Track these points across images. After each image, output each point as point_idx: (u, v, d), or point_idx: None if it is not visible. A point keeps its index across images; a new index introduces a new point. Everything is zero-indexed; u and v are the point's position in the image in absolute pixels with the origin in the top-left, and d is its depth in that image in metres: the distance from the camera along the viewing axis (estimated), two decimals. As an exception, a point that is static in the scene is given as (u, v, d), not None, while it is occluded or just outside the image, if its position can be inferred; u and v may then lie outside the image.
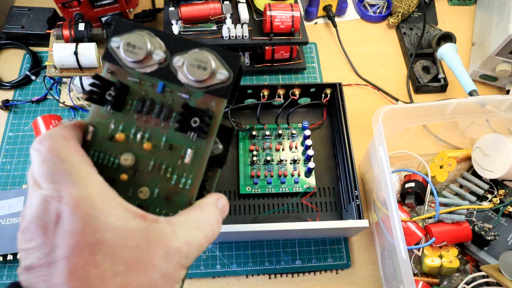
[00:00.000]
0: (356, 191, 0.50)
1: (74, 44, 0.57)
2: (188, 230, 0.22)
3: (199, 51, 0.23)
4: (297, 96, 0.59)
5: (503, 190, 0.54)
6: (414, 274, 0.50)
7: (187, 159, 0.23)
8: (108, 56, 0.23)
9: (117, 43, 0.23)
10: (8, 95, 0.66)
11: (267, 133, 0.60)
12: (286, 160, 0.59)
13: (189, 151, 0.23)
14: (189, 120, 0.23)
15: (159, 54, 0.23)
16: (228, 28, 0.61)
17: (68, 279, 0.18)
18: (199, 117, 0.23)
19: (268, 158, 0.58)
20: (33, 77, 0.66)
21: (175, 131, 0.23)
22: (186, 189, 0.23)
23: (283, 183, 0.57)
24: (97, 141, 0.23)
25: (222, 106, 0.23)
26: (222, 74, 0.23)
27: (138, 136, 0.23)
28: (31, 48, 0.69)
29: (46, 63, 0.59)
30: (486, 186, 0.55)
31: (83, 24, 0.58)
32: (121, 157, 0.23)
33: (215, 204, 0.24)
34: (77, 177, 0.20)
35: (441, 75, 0.69)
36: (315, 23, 0.77)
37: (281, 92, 0.59)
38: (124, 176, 0.23)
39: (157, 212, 0.23)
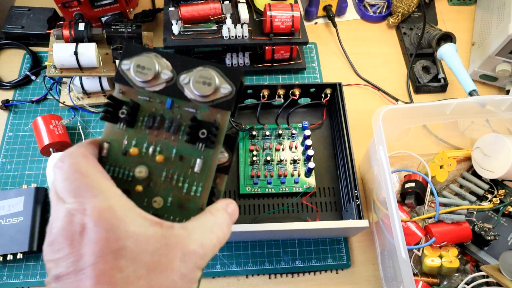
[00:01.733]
0: (356, 191, 0.50)
1: (74, 44, 0.57)
2: (201, 233, 0.23)
3: (203, 68, 0.25)
4: (297, 96, 0.59)
5: (503, 190, 0.54)
6: (414, 274, 0.50)
7: (196, 168, 0.25)
8: (119, 78, 0.25)
9: (127, 65, 0.25)
10: (8, 95, 0.66)
11: (267, 133, 0.60)
12: (286, 160, 0.59)
13: (198, 160, 0.25)
14: (197, 132, 0.25)
15: (166, 74, 0.25)
16: (228, 28, 0.61)
17: (95, 283, 0.19)
18: (206, 129, 0.24)
19: (268, 158, 0.58)
20: (33, 77, 0.66)
21: (185, 142, 0.25)
22: (197, 196, 0.25)
23: (283, 183, 0.57)
24: (112, 157, 0.25)
25: (226, 117, 0.25)
26: (226, 88, 0.25)
27: (150, 149, 0.25)
28: (31, 48, 0.69)
29: (46, 63, 0.59)
30: (486, 186, 0.55)
31: (83, 24, 0.58)
32: (135, 170, 0.25)
33: (225, 209, 0.26)
34: (98, 191, 0.21)
35: (441, 75, 0.69)
36: (315, 23, 0.77)
37: (281, 92, 0.59)
38: (139, 188, 0.25)
39: (171, 219, 0.25)
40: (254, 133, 0.60)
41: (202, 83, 0.24)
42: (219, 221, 0.25)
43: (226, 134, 0.26)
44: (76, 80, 0.60)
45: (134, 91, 0.25)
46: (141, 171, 0.25)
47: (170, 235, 0.22)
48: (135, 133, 0.25)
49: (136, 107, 0.25)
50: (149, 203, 0.25)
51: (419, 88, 0.69)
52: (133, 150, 0.25)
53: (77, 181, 0.21)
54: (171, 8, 0.61)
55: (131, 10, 0.71)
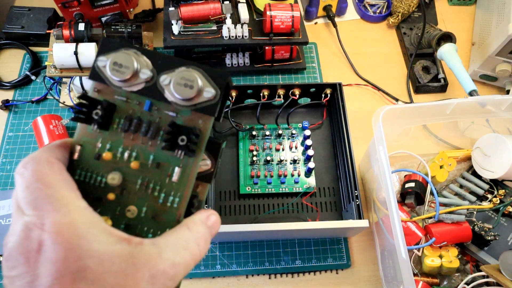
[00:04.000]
0: (356, 191, 0.50)
1: (74, 44, 0.57)
2: (174, 251, 0.21)
3: (186, 69, 0.23)
4: (297, 96, 0.59)
5: (503, 190, 0.54)
6: (414, 274, 0.50)
7: (174, 178, 0.23)
8: (95, 75, 0.23)
9: (104, 62, 0.23)
10: (8, 95, 0.66)
11: (267, 133, 0.60)
12: (286, 160, 0.59)
13: (176, 169, 0.23)
14: (177, 138, 0.23)
15: (145, 73, 0.23)
16: (228, 28, 0.61)
17: None
18: (187, 135, 0.22)
19: (268, 158, 0.58)
20: (33, 77, 0.66)
21: (163, 149, 0.23)
22: (173, 208, 0.23)
23: (283, 183, 0.57)
24: (84, 160, 0.23)
25: (209, 123, 0.23)
26: (209, 92, 0.23)
27: (126, 154, 0.23)
28: (31, 48, 0.69)
29: (46, 63, 0.59)
30: (486, 186, 0.55)
31: (83, 24, 0.58)
32: (108, 176, 0.23)
33: (204, 222, 0.24)
34: (60, 203, 0.19)
35: (441, 75, 0.69)
36: (315, 23, 0.77)
37: (281, 92, 0.59)
38: (111, 196, 0.23)
39: (145, 231, 0.23)
40: (254, 133, 0.60)
41: (184, 85, 0.22)
42: (195, 236, 0.23)
43: (209, 140, 0.24)
44: (76, 80, 0.60)
45: (111, 90, 0.23)
46: (114, 178, 0.23)
47: (138, 253, 0.20)
48: (110, 136, 0.23)
49: (111, 107, 0.23)
50: (122, 212, 0.23)
51: (419, 88, 0.69)
52: (107, 155, 0.23)
53: (38, 192, 0.19)
54: (171, 8, 0.61)
55: (131, 10, 0.71)
